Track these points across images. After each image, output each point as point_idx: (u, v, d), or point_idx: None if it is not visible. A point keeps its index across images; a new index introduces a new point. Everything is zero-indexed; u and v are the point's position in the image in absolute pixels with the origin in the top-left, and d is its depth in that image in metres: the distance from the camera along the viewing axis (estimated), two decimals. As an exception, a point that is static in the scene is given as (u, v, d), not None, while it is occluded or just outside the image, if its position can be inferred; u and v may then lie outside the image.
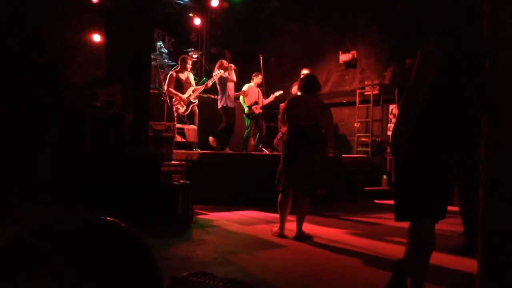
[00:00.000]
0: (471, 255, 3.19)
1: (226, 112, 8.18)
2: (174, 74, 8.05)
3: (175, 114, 7.93)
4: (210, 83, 8.28)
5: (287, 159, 4.51)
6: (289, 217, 4.63)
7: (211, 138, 8.14)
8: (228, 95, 8.16)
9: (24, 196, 4.33)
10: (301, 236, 4.48)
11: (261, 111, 8.72)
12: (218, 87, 8.29)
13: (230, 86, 8.20)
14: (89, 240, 1.73)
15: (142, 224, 4.44)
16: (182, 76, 8.05)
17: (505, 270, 2.81)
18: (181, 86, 7.99)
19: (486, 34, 2.55)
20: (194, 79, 8.81)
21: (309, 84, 4.65)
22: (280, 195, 4.57)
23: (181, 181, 5.39)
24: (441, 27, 2.58)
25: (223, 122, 8.22)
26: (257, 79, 8.72)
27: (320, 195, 4.53)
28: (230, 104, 8.19)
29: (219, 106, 8.25)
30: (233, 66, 8.24)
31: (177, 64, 8.53)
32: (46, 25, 5.31)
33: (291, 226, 4.65)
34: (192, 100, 8.06)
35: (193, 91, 8.06)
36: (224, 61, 8.38)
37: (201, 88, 8.23)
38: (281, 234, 4.55)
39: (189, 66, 8.23)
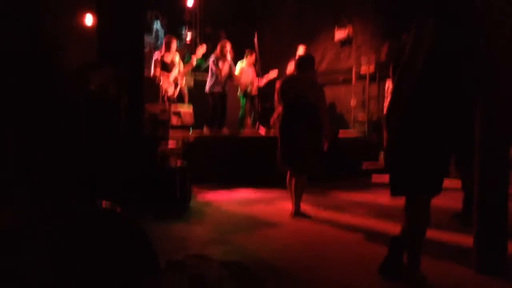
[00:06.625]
0: (468, 225, 3.22)
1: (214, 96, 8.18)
2: (159, 57, 7.99)
3: (165, 98, 7.89)
4: (194, 60, 8.22)
5: (281, 138, 4.56)
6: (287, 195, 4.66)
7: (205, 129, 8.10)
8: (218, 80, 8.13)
9: (22, 183, 4.33)
10: (298, 214, 4.51)
11: (256, 93, 8.65)
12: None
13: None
14: (86, 226, 1.73)
15: (140, 207, 4.50)
16: (167, 58, 8.00)
17: (499, 242, 2.86)
18: (167, 68, 7.95)
19: (480, 13, 2.54)
20: (188, 59, 8.77)
21: (300, 63, 4.67)
22: (287, 174, 4.61)
23: (178, 163, 5.40)
24: (437, 5, 2.55)
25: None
26: (251, 58, 8.61)
27: (315, 173, 4.54)
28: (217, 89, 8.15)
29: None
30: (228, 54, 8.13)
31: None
32: (36, 9, 5.23)
33: (288, 205, 4.68)
34: (178, 81, 8.03)
35: (178, 72, 8.02)
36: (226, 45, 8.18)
37: (188, 68, 8.18)
38: (293, 212, 4.57)
39: (173, 47, 8.12)
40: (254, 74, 8.59)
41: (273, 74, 8.59)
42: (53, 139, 4.74)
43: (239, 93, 8.74)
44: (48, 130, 4.72)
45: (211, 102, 8.16)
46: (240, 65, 8.62)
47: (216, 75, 8.03)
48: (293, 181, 4.55)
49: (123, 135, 5.21)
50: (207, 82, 8.21)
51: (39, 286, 1.57)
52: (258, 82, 8.58)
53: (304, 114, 4.44)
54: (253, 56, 8.54)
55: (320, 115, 4.49)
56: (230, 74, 8.26)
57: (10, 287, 1.55)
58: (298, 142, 4.44)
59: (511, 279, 2.73)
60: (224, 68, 8.07)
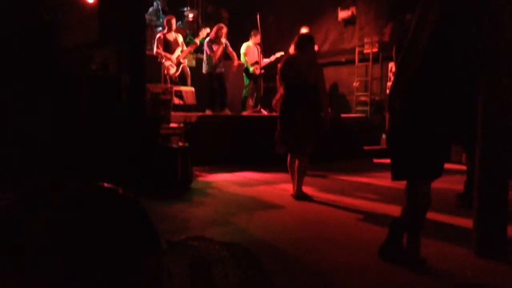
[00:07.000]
0: (469, 208, 3.23)
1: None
2: (162, 36, 7.99)
3: (167, 77, 7.89)
4: (198, 41, 8.23)
5: (282, 119, 4.59)
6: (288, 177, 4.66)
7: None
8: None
9: (23, 162, 4.34)
10: (299, 195, 4.52)
11: (261, 71, 8.61)
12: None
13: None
14: (87, 207, 1.74)
15: (142, 187, 4.51)
16: (170, 37, 7.99)
17: (499, 225, 2.86)
18: (169, 47, 7.94)
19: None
20: (189, 39, 8.73)
21: (298, 43, 4.64)
22: (288, 157, 4.61)
23: (180, 143, 5.40)
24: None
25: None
26: (256, 38, 8.55)
27: (307, 153, 4.53)
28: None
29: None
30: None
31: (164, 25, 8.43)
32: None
33: (290, 186, 4.70)
34: (181, 61, 8.02)
35: (181, 52, 8.00)
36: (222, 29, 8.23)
37: (190, 48, 8.18)
38: (293, 194, 4.61)
39: (174, 25, 8.14)
40: (260, 54, 8.55)
41: (278, 54, 8.55)
42: (54, 119, 4.73)
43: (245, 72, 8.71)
44: (50, 109, 4.70)
45: (209, 84, 8.20)
46: (246, 44, 8.59)
47: (211, 57, 8.07)
48: (295, 163, 4.56)
49: (124, 115, 5.19)
50: (203, 64, 8.29)
51: (39, 264, 1.58)
52: (261, 61, 8.54)
53: (304, 95, 4.43)
54: (258, 36, 8.50)
55: (320, 95, 4.48)
56: (226, 54, 8.33)
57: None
58: (298, 123, 4.43)
59: (511, 262, 2.75)
60: (219, 51, 8.09)
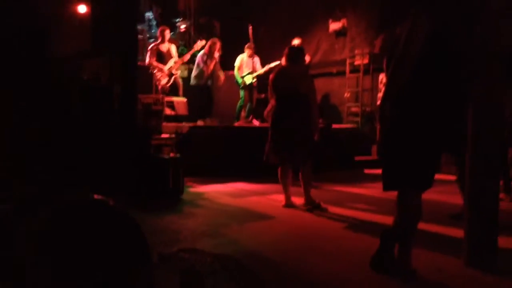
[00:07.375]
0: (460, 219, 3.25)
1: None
2: (155, 46, 7.99)
3: (159, 87, 7.88)
4: (188, 56, 8.27)
5: (273, 130, 4.62)
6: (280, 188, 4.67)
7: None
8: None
9: (14, 172, 4.29)
10: (309, 203, 4.55)
11: (253, 80, 8.63)
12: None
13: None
14: (78, 219, 1.72)
15: (133, 198, 4.49)
16: (163, 48, 8.00)
17: (489, 236, 2.88)
18: (162, 58, 7.96)
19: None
20: (181, 50, 8.74)
21: (289, 55, 4.69)
22: (279, 168, 4.63)
23: (171, 154, 5.38)
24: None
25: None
26: (250, 50, 8.62)
27: (303, 164, 4.54)
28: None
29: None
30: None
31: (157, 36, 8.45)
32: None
33: (281, 197, 4.71)
34: (173, 72, 8.03)
35: (174, 63, 8.02)
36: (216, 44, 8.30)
37: (181, 60, 8.22)
38: (286, 204, 4.63)
39: (167, 36, 8.17)
40: (254, 66, 8.58)
41: (273, 64, 8.57)
42: (44, 130, 4.70)
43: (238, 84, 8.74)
44: (40, 119, 4.67)
45: (198, 95, 8.27)
46: (241, 57, 8.63)
47: (202, 71, 8.15)
48: (286, 174, 4.58)
49: (115, 125, 5.17)
50: (193, 76, 8.34)
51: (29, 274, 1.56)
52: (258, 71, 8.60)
53: (295, 106, 4.47)
54: (252, 48, 8.57)
55: (310, 107, 4.52)
56: (214, 70, 8.39)
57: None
58: (289, 134, 4.47)
59: (501, 273, 2.76)
60: (211, 65, 8.20)
